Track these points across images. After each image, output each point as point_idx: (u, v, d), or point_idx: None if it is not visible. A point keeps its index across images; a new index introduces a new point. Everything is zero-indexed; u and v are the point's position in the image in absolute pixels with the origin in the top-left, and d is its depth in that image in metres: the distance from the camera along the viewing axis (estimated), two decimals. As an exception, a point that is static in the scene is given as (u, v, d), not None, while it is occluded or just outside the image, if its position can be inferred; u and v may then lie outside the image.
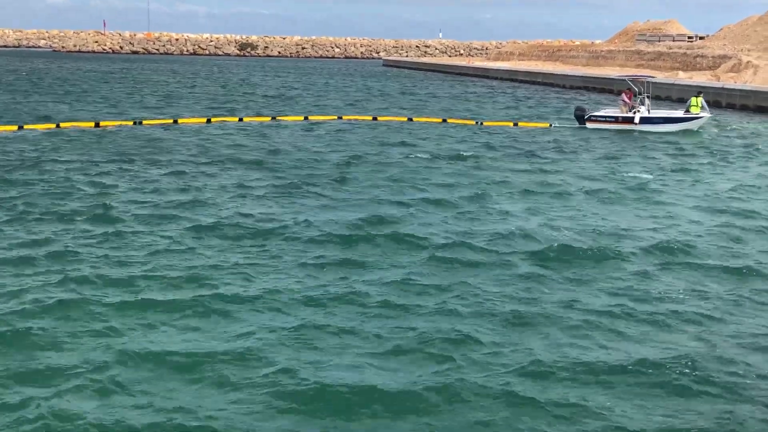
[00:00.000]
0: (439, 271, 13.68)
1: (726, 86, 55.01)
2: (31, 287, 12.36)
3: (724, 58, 74.77)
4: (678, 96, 54.50)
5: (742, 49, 77.70)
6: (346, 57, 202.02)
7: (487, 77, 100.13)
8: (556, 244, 15.20)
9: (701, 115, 37.82)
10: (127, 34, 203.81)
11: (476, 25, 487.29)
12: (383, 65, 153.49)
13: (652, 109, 38.52)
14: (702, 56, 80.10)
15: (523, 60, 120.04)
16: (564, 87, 78.23)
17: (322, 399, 8.83)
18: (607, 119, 38.34)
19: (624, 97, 38.76)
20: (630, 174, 24.85)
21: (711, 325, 11.51)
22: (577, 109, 40.21)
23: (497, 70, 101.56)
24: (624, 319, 11.65)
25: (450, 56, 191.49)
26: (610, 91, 70.03)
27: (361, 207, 18.94)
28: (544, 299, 12.40)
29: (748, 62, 67.40)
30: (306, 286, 12.66)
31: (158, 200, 19.34)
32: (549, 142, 33.28)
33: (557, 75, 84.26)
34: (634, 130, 37.10)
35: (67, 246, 14.75)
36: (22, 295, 11.96)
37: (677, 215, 18.88)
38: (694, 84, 53.39)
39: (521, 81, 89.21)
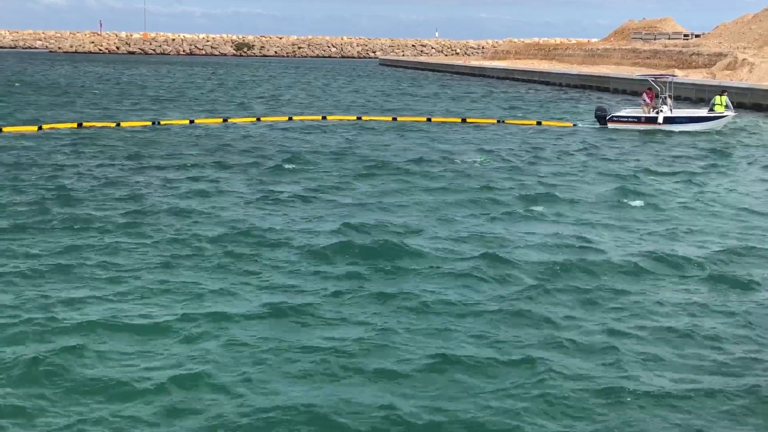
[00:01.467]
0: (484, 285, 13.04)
1: (722, 84, 55.24)
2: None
3: (720, 55, 75.03)
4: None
5: (737, 47, 77.97)
6: (343, 56, 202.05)
7: (484, 76, 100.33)
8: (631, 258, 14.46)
9: (725, 114, 37.08)
10: (123, 34, 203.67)
11: (473, 25, 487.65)
12: (380, 65, 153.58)
13: (674, 108, 37.94)
14: (698, 54, 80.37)
15: (519, 59, 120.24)
16: (560, 85, 78.44)
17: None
18: (630, 119, 37.67)
19: (645, 97, 38.12)
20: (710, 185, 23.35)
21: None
22: (598, 109, 39.60)
23: (494, 69, 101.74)
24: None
25: (446, 55, 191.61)
26: (606, 89, 70.29)
27: (411, 209, 18.62)
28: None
29: (744, 60, 67.66)
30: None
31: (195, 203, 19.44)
32: (582, 143, 32.53)
33: (554, 73, 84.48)
34: (657, 131, 36.46)
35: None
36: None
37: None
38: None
39: (518, 80, 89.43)
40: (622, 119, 37.93)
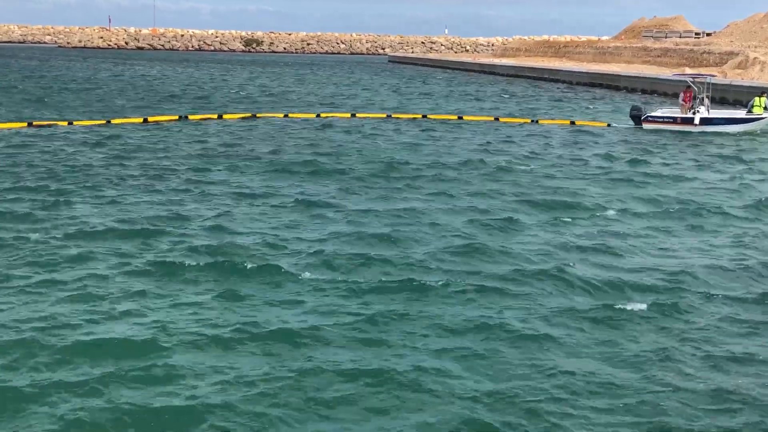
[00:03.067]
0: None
1: (733, 82, 54.86)
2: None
3: (731, 54, 74.60)
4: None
5: (749, 46, 77.51)
6: (352, 53, 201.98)
7: (494, 73, 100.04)
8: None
9: (764, 115, 36.10)
10: (132, 30, 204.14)
11: (482, 22, 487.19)
12: (389, 61, 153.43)
13: (711, 109, 37.19)
14: (709, 53, 79.95)
15: (529, 56, 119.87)
16: (570, 83, 78.14)
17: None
18: (665, 120, 37.00)
19: (683, 97, 37.42)
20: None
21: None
22: (633, 108, 38.92)
23: (504, 67, 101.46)
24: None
25: (456, 52, 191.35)
26: (617, 88, 70.03)
27: (466, 210, 18.28)
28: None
29: (755, 59, 67.23)
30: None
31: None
32: (629, 143, 32.02)
33: (563, 71, 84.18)
34: (693, 132, 35.71)
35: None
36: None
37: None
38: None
39: (527, 77, 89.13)
40: (657, 119, 37.23)
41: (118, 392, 8.82)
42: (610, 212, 18.28)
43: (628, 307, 11.70)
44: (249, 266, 13.29)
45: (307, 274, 12.96)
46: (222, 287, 12.30)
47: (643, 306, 11.76)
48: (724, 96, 50.56)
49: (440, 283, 12.58)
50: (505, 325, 10.96)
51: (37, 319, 10.76)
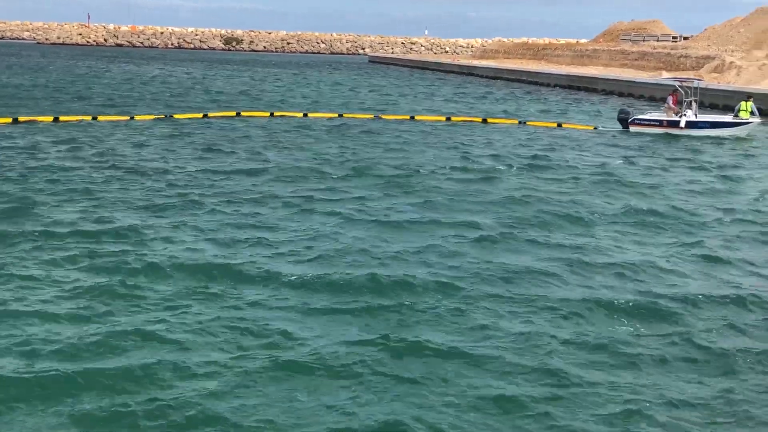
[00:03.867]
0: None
1: (710, 86, 55.31)
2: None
3: (708, 58, 75.18)
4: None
5: (725, 50, 78.16)
6: (332, 53, 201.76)
7: (473, 75, 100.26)
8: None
9: (750, 120, 36.19)
10: (111, 26, 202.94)
11: (462, 23, 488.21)
12: (369, 61, 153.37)
13: (699, 113, 37.27)
14: (686, 56, 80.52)
15: (508, 58, 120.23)
16: (549, 85, 78.44)
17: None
18: (652, 123, 37.05)
19: (670, 100, 37.49)
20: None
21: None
22: (621, 112, 39.03)
23: (483, 68, 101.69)
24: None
25: (435, 53, 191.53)
26: (595, 90, 70.37)
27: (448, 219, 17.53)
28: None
29: (731, 63, 67.79)
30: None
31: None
32: (624, 148, 31.75)
33: (542, 73, 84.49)
34: (679, 135, 35.72)
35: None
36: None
37: None
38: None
39: (507, 79, 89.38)
40: (644, 122, 37.28)
41: (93, 397, 8.77)
42: (595, 217, 18.05)
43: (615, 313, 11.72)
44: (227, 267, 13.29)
45: (290, 274, 12.98)
46: (204, 288, 12.32)
47: (625, 311, 11.78)
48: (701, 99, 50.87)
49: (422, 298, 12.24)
50: (488, 334, 10.81)
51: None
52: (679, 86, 37.97)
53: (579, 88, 73.14)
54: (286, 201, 18.82)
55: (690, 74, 64.52)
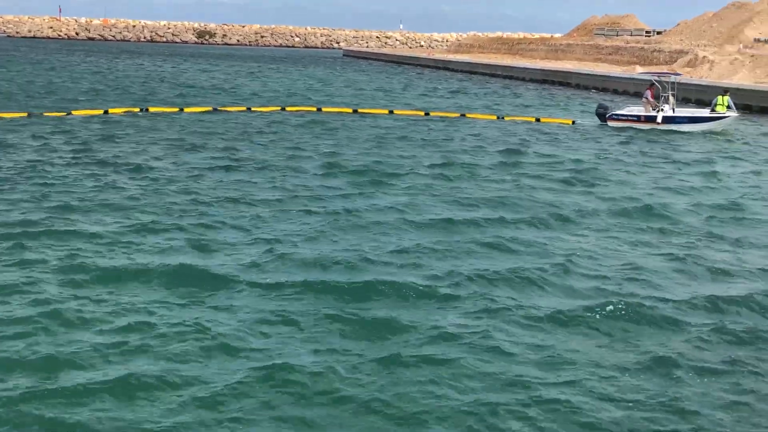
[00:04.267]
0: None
1: (682, 81, 55.69)
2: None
3: (681, 53, 75.71)
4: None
5: (698, 45, 78.74)
6: (306, 46, 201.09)
7: (448, 69, 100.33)
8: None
9: (727, 114, 36.33)
10: (83, 20, 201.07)
11: (436, 17, 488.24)
12: (343, 55, 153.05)
13: (677, 108, 37.29)
14: (659, 51, 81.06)
15: (482, 53, 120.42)
16: (524, 80, 78.64)
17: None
18: (629, 118, 37.12)
19: (648, 95, 37.43)
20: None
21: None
22: (599, 107, 39.12)
23: (458, 63, 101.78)
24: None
25: (411, 48, 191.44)
26: (569, 85, 70.66)
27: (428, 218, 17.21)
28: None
29: (704, 57, 68.31)
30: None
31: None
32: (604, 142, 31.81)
33: (517, 68, 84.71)
34: (655, 130, 35.80)
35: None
36: None
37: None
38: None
39: (481, 73, 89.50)
40: (621, 117, 37.37)
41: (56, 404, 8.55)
42: (571, 214, 17.82)
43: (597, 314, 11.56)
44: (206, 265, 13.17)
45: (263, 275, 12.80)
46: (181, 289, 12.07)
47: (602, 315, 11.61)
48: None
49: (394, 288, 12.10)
50: (475, 335, 10.56)
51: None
52: (657, 81, 38.10)
53: (553, 83, 73.40)
54: (262, 200, 18.44)
55: (664, 69, 64.95)
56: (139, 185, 19.63)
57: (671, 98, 37.35)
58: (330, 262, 13.35)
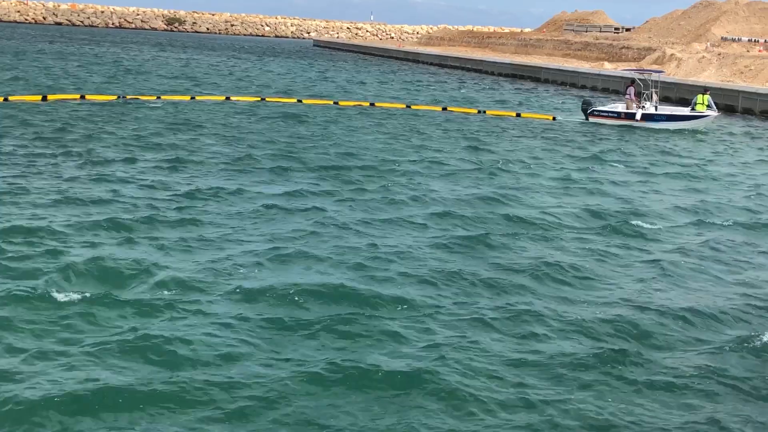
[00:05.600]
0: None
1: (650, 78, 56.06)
2: None
3: (649, 50, 76.23)
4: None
5: (666, 42, 79.35)
6: (277, 36, 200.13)
7: (418, 62, 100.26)
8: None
9: (707, 113, 35.97)
10: (50, 4, 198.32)
11: (407, 9, 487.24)
12: (314, 45, 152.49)
13: (659, 105, 37.24)
14: (627, 48, 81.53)
15: (453, 46, 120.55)
16: (493, 74, 78.76)
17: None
18: (610, 114, 37.11)
19: (631, 92, 37.16)
20: None
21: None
22: (584, 102, 39.04)
23: (428, 55, 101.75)
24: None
25: (381, 39, 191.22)
26: (538, 80, 70.92)
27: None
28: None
29: (671, 55, 68.81)
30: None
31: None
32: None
33: (487, 62, 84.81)
34: (634, 127, 35.74)
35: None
36: None
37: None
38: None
39: (451, 66, 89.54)
40: (602, 114, 37.39)
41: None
42: (548, 216, 17.23)
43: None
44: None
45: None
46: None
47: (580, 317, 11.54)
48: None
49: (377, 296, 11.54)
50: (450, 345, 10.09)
51: None
52: (638, 78, 38.07)
53: (523, 77, 73.60)
54: (218, 193, 17.60)
55: (632, 65, 65.30)
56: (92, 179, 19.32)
57: (654, 96, 37.37)
58: (299, 265, 12.66)
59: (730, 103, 47.00)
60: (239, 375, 8.90)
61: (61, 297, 10.71)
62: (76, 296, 10.76)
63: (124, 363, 9.06)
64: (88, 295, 10.86)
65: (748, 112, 46.52)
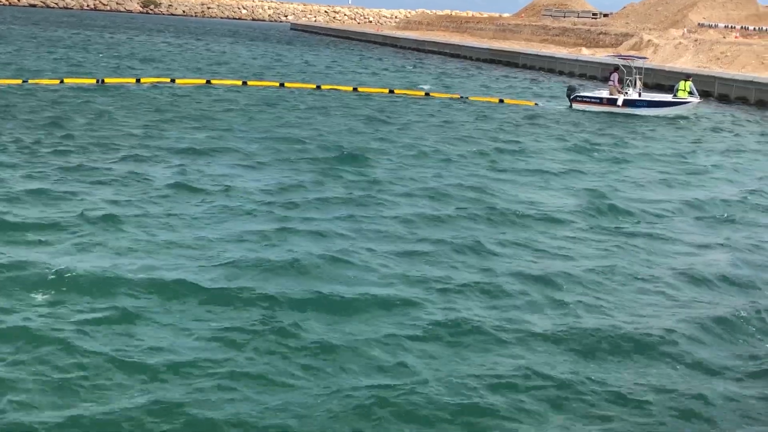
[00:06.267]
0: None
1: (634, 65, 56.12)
2: None
3: (627, 36, 76.34)
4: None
5: (643, 28, 79.48)
6: (254, 19, 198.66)
7: (396, 46, 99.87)
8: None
9: (689, 100, 36.25)
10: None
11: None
12: (291, 29, 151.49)
13: (643, 92, 37.26)
14: (605, 33, 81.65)
15: (431, 30, 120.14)
16: (472, 59, 78.61)
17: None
18: (592, 100, 37.17)
19: (615, 78, 37.16)
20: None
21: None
22: (569, 88, 39.13)
23: (406, 40, 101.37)
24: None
25: (359, 23, 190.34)
26: (515, 65, 70.84)
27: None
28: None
29: (649, 41, 68.94)
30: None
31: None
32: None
33: (465, 47, 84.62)
34: (616, 113, 35.82)
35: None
36: None
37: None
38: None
39: (429, 51, 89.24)
40: (585, 99, 37.42)
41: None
42: (522, 207, 16.85)
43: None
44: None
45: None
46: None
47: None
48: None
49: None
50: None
51: None
52: (622, 65, 38.06)
53: (501, 63, 73.48)
54: (177, 183, 16.89)
55: (609, 51, 65.36)
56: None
57: (638, 82, 37.35)
58: (270, 264, 11.97)
59: (706, 89, 47.11)
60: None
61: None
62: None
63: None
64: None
65: (723, 98, 46.70)
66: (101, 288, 10.57)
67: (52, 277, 10.71)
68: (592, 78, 57.27)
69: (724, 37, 69.10)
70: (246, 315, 10.10)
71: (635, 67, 37.64)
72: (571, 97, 37.84)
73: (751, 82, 46.66)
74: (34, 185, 15.92)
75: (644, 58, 42.80)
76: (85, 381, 8.30)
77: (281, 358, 9.05)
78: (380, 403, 8.20)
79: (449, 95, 41.03)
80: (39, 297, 10.21)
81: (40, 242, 12.40)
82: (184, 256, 12.13)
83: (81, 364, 8.62)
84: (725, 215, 17.41)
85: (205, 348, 9.15)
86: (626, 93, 36.74)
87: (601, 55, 64.03)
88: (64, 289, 10.47)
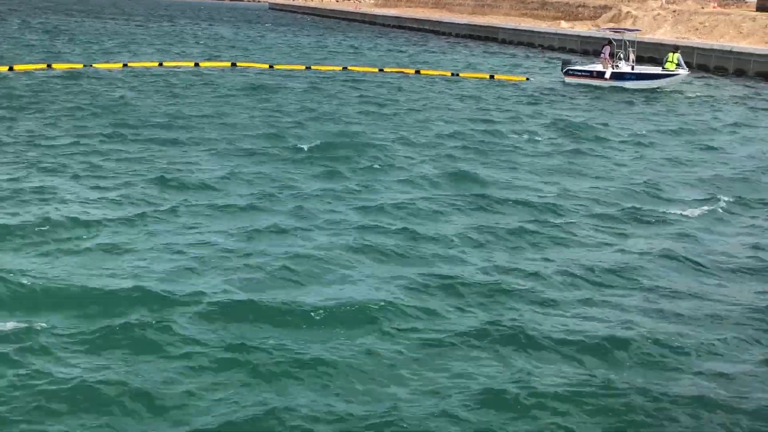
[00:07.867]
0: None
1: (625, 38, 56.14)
2: None
3: (605, 8, 76.31)
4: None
5: (622, 0, 79.44)
6: None
7: (374, 24, 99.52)
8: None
9: (677, 72, 36.37)
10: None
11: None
12: (269, 8, 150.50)
13: (636, 65, 37.43)
14: (584, 6, 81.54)
15: (410, 7, 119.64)
16: (451, 35, 78.46)
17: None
18: (583, 73, 37.61)
19: (606, 52, 37.35)
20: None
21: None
22: (564, 63, 39.50)
23: (384, 17, 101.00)
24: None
25: (338, 1, 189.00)
26: (495, 40, 70.76)
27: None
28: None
29: (627, 13, 68.99)
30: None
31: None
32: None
33: (445, 23, 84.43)
34: (604, 86, 36.15)
35: None
36: None
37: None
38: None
39: (409, 28, 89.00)
40: (576, 73, 37.87)
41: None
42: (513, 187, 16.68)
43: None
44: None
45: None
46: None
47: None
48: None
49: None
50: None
51: None
52: (613, 38, 38.16)
53: (480, 38, 73.38)
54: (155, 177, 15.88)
55: (588, 24, 65.45)
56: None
57: (631, 55, 37.51)
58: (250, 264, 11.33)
59: (685, 60, 47.21)
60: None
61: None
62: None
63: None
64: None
65: (702, 68, 46.89)
66: (75, 293, 9.98)
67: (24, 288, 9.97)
68: (572, 51, 57.30)
69: (702, 8, 69.24)
70: (235, 315, 9.62)
71: (628, 41, 37.77)
72: (564, 70, 38.29)
73: (730, 52, 46.88)
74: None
75: (636, 30, 42.88)
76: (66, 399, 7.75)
77: (277, 365, 8.55)
78: (392, 408, 7.88)
79: (440, 72, 41.03)
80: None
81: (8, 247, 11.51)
82: (166, 260, 11.33)
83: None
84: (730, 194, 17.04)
85: (187, 355, 8.65)
86: (617, 66, 36.89)
87: (582, 29, 64.03)
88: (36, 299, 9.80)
